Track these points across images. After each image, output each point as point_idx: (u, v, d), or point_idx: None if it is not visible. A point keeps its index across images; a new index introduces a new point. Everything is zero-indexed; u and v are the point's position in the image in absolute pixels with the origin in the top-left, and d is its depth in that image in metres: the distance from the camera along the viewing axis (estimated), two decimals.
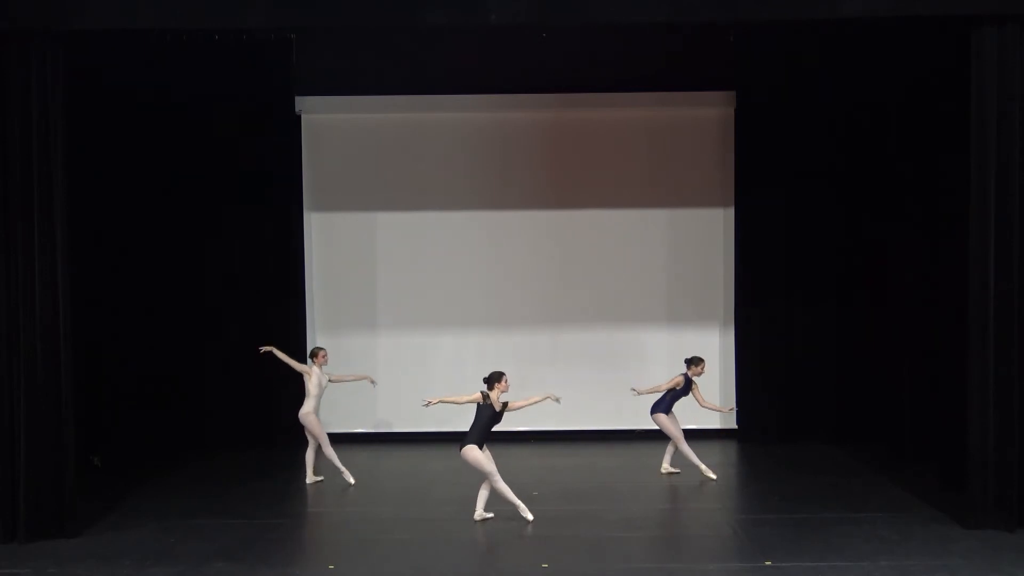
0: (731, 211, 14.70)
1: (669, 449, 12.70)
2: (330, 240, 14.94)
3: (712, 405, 12.97)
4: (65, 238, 10.27)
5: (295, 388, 13.10)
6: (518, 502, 10.74)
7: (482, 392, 10.72)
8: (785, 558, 9.40)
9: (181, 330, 14.34)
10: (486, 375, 10.81)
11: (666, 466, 12.69)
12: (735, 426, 14.63)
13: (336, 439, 12.80)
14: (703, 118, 14.82)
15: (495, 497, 10.84)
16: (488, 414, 10.70)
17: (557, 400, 11.19)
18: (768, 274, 14.45)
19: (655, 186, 14.86)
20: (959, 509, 10.51)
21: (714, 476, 12.41)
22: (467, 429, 10.79)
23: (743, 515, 11.07)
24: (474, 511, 10.80)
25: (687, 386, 12.55)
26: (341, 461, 12.41)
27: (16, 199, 10.13)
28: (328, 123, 14.84)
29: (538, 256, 14.92)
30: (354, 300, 14.93)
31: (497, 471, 10.74)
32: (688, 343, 14.26)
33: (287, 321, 14.48)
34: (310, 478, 12.53)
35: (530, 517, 10.68)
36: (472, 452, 10.65)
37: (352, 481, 12.38)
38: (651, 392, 12.53)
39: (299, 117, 14.64)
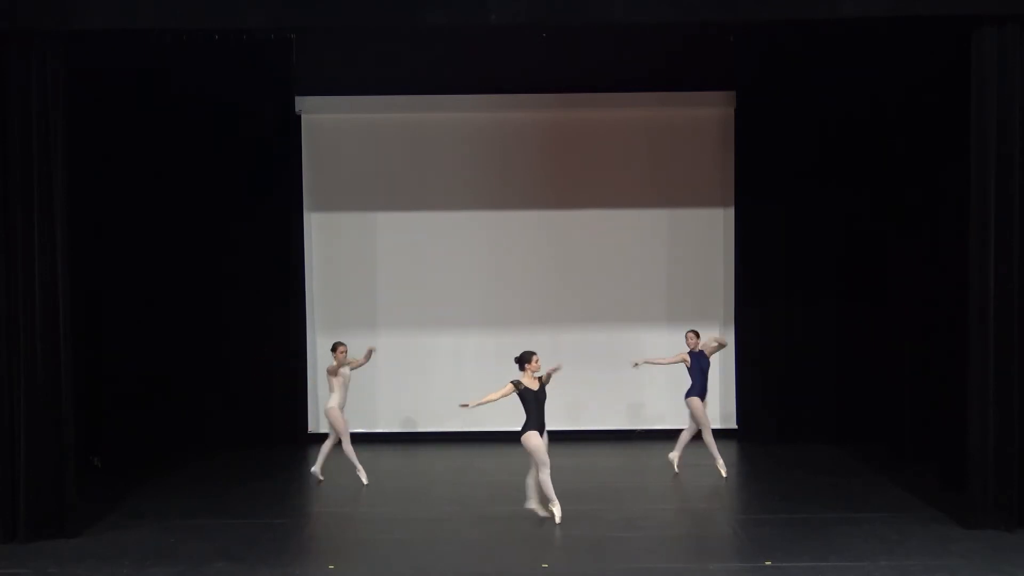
0: (731, 211, 14.70)
1: (682, 440, 12.59)
2: (330, 240, 14.93)
3: (720, 338, 12.84)
4: (65, 238, 10.27)
5: (295, 388, 13.09)
6: (554, 499, 10.63)
7: (513, 382, 10.54)
8: (785, 558, 9.40)
9: (181, 330, 14.33)
10: (517, 355, 10.65)
11: (675, 455, 12.58)
12: (735, 426, 14.65)
13: None
14: (703, 118, 14.82)
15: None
16: (533, 396, 10.54)
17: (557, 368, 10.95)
18: (768, 274, 14.45)
19: (655, 186, 14.86)
20: (959, 509, 10.52)
21: (725, 474, 12.40)
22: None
23: (743, 515, 11.07)
24: (526, 502, 10.70)
25: (703, 358, 12.43)
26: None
27: (16, 199, 10.14)
28: (328, 123, 14.83)
29: (538, 256, 14.92)
30: (354, 300, 14.91)
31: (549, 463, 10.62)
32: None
33: (287, 321, 14.49)
34: (316, 468, 12.45)
35: (558, 519, 10.57)
36: (534, 439, 10.53)
37: (366, 481, 12.32)
38: (651, 363, 12.57)
39: (299, 117, 14.63)
